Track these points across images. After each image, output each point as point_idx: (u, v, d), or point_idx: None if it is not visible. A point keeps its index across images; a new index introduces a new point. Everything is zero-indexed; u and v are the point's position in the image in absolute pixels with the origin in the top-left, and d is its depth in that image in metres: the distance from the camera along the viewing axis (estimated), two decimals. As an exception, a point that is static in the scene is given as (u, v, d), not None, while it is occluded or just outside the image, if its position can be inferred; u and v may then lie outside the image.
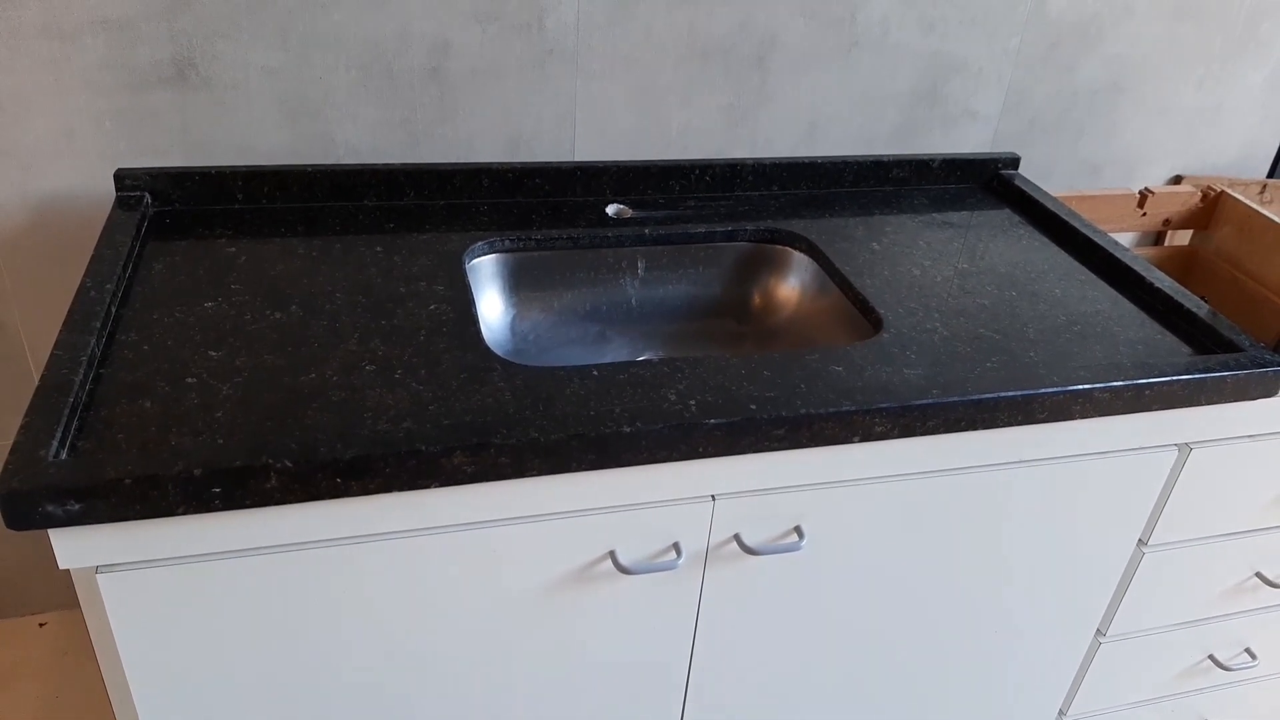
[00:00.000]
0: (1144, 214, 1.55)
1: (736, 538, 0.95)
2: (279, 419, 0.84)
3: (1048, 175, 1.59)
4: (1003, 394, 0.94)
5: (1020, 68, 1.46)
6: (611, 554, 0.92)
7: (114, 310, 0.96)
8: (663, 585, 0.97)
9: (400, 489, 0.80)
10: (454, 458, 0.80)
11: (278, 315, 0.98)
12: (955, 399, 0.92)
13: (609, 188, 1.30)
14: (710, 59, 1.31)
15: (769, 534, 0.97)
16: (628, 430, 0.84)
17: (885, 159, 1.39)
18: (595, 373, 0.93)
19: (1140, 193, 1.55)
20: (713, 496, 0.93)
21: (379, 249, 1.12)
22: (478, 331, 0.98)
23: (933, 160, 1.41)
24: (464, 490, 0.84)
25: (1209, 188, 1.57)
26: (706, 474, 0.91)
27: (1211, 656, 1.30)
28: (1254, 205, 1.51)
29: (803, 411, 0.88)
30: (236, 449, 0.78)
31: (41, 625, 1.50)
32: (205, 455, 0.77)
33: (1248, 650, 1.33)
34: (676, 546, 0.94)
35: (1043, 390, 0.95)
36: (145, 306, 0.97)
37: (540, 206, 1.26)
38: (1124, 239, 1.68)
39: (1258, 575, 1.24)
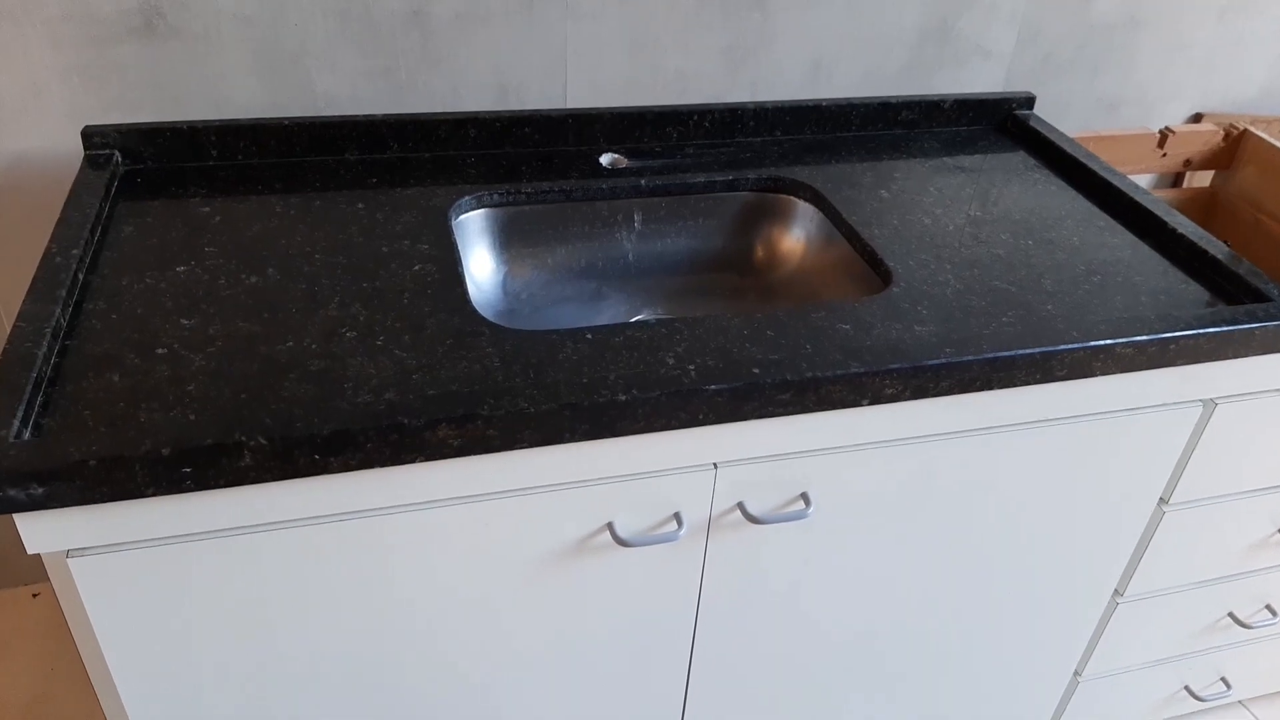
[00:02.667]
0: (1164, 154, 1.48)
1: (740, 506, 0.91)
2: (254, 391, 0.79)
3: (1063, 115, 1.52)
4: (1019, 351, 0.89)
5: (1034, 2, 1.38)
6: (609, 526, 0.88)
7: (81, 277, 0.91)
8: (664, 556, 0.93)
9: (383, 464, 0.76)
10: (439, 431, 0.76)
11: (254, 279, 0.93)
12: (970, 358, 0.87)
13: (603, 136, 1.23)
14: (708, -2, 1.24)
15: (774, 502, 0.93)
16: (623, 398, 0.79)
17: (893, 101, 1.32)
18: (589, 335, 0.88)
19: (1160, 132, 1.48)
20: (714, 464, 0.89)
21: (360, 206, 1.06)
22: (464, 293, 0.93)
23: (944, 101, 1.34)
24: (451, 464, 0.80)
25: (1231, 126, 1.50)
26: (708, 441, 0.87)
27: (1231, 614, 1.27)
28: (1277, 143, 1.44)
29: (809, 375, 0.83)
30: (208, 425, 0.73)
31: (35, 596, 1.48)
32: (175, 433, 0.72)
33: (1268, 607, 1.29)
34: (678, 517, 0.90)
35: (1062, 347, 0.90)
36: (114, 272, 0.92)
37: (530, 157, 1.20)
38: (1141, 180, 1.62)
39: (1280, 530, 1.20)
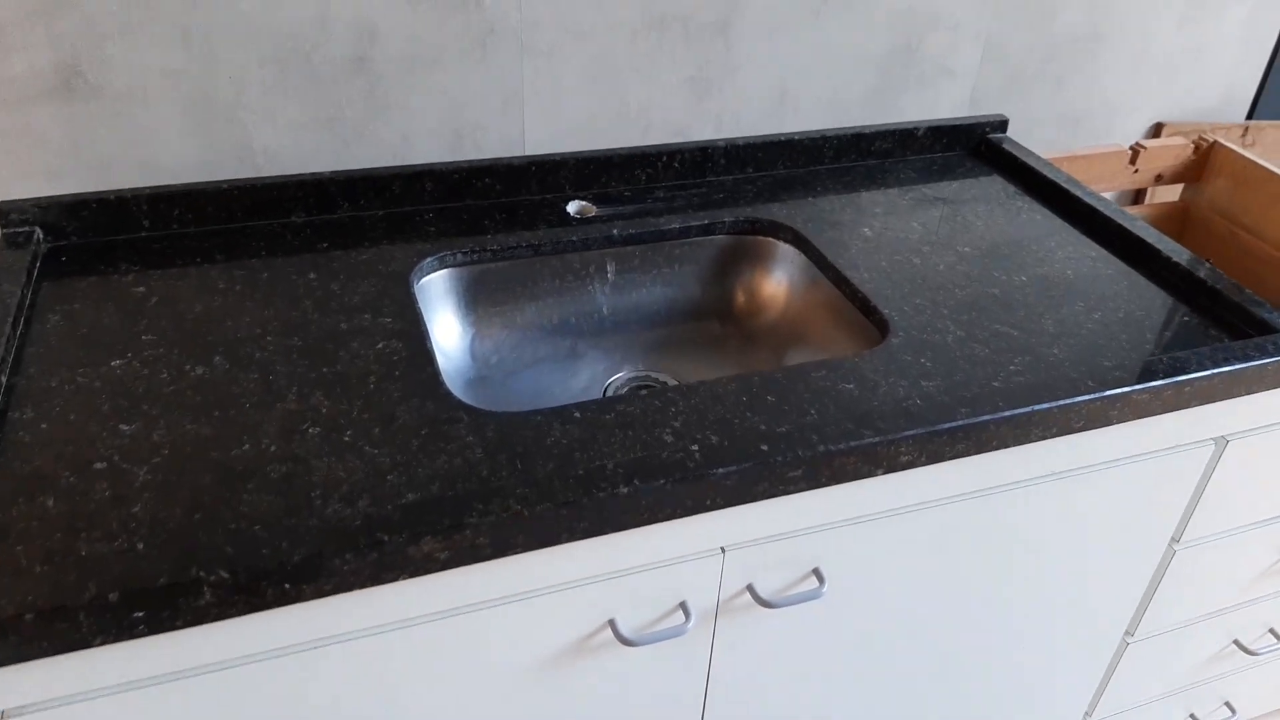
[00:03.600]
0: (1136, 170, 1.46)
1: (750, 589, 0.85)
2: (209, 508, 0.70)
3: (1028, 131, 1.48)
4: (1036, 407, 0.83)
5: (999, 19, 1.34)
6: (611, 623, 0.81)
7: (3, 380, 0.81)
8: (670, 647, 0.86)
9: (362, 586, 0.68)
10: (423, 545, 0.68)
11: (199, 370, 0.84)
12: (986, 418, 0.82)
13: (568, 183, 1.16)
14: (670, 28, 1.17)
15: (785, 580, 0.86)
16: (625, 491, 0.72)
17: (867, 131, 1.27)
18: (577, 415, 0.81)
19: (1131, 148, 1.45)
20: (722, 549, 0.82)
21: (312, 276, 0.98)
22: (436, 372, 0.85)
23: (917, 129, 1.29)
24: (438, 577, 0.72)
25: (1201, 138, 1.48)
26: (714, 526, 0.80)
27: (1236, 641, 1.24)
28: (1250, 155, 1.42)
29: (821, 449, 0.77)
30: (160, 557, 0.65)
31: None
32: (122, 570, 0.63)
33: (1272, 631, 1.26)
34: (684, 606, 0.83)
35: (1079, 399, 0.85)
36: (42, 372, 0.83)
37: (493, 209, 1.12)
38: (1107, 196, 1.59)
39: (1285, 557, 1.17)
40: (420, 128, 1.14)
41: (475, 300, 1.07)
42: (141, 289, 0.94)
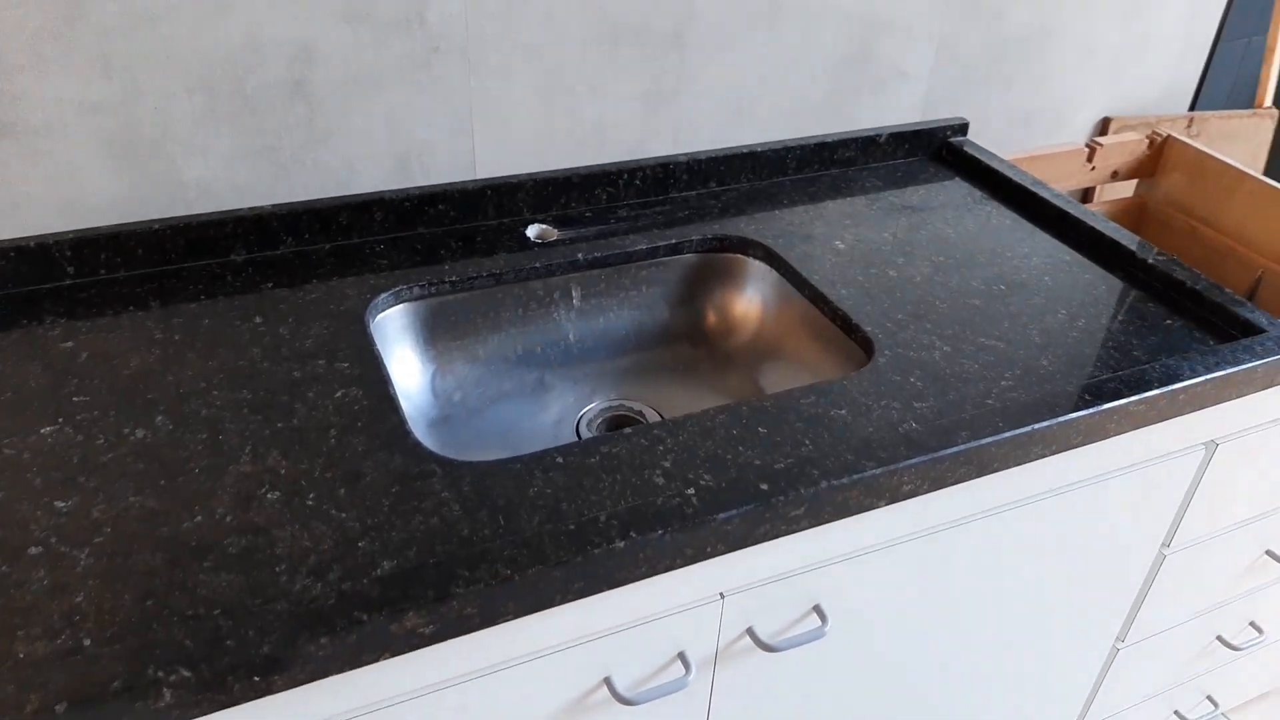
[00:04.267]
0: (1093, 168, 1.45)
1: (750, 632, 0.80)
2: (162, 593, 0.63)
3: (982, 130, 1.46)
4: (1036, 426, 0.80)
5: (949, 20, 1.32)
6: (607, 681, 0.76)
7: (-84, 456, 0.73)
8: (668, 699, 0.81)
9: (340, 671, 0.62)
10: (406, 621, 0.62)
11: (140, 434, 0.77)
12: (987, 440, 0.78)
13: (526, 205, 1.10)
14: (623, 40, 1.13)
15: (786, 619, 0.82)
16: (621, 545, 0.67)
17: (829, 139, 1.23)
18: (559, 459, 0.75)
19: (1088, 146, 1.44)
20: (721, 594, 0.77)
21: (258, 319, 0.91)
22: (401, 421, 0.79)
23: (879, 135, 1.26)
24: (422, 653, 0.66)
25: (1154, 134, 1.47)
26: (713, 572, 0.75)
27: (1220, 638, 1.23)
28: (1203, 148, 1.42)
29: (823, 485, 0.73)
30: (110, 658, 0.58)
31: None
32: (69, 675, 0.56)
33: (1253, 624, 1.26)
34: (682, 657, 0.78)
35: (1078, 414, 0.82)
36: (-41, 444, 0.75)
37: (448, 237, 1.06)
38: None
39: (1268, 553, 1.16)
40: (364, 152, 1.07)
41: (434, 335, 1.00)
42: (69, 344, 0.86)
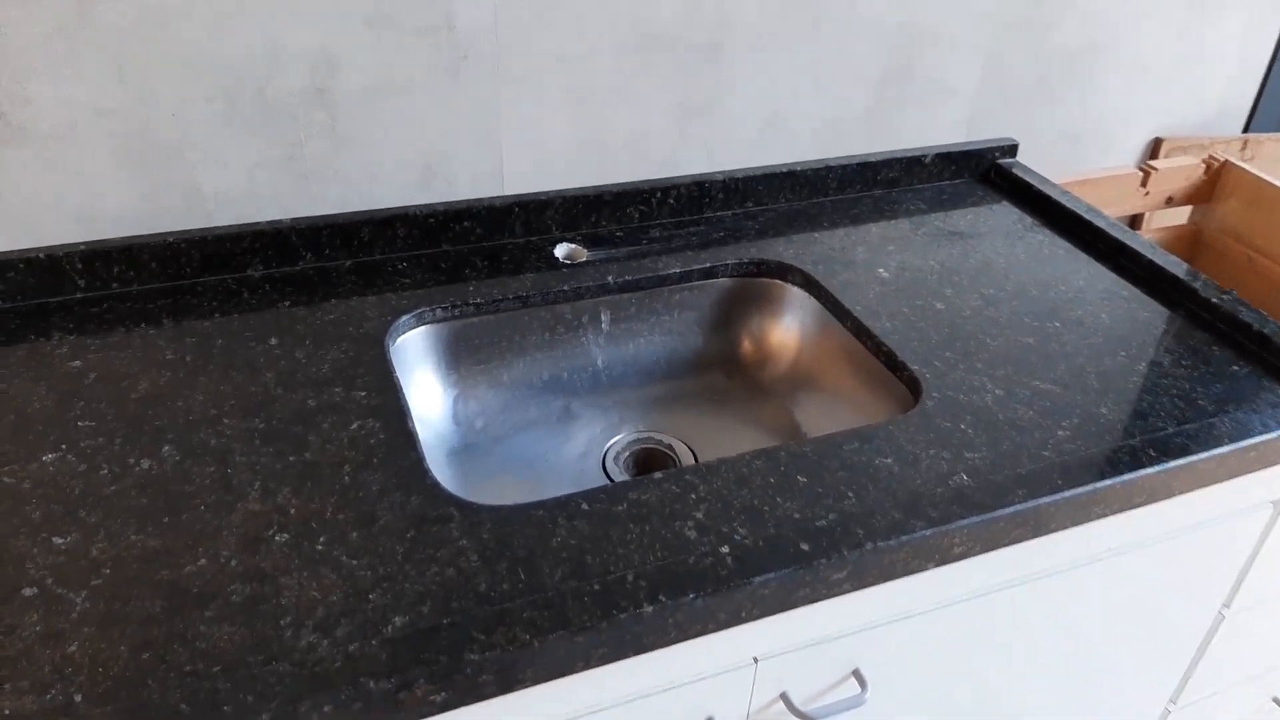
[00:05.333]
0: (1147, 193, 1.38)
1: (784, 697, 0.75)
2: (160, 646, 0.59)
3: (1026, 148, 1.40)
4: (1098, 485, 0.75)
5: (997, 34, 1.26)
6: (630, 747, 0.71)
7: (-91, 484, 0.69)
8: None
9: (345, 739, 0.57)
10: (416, 689, 0.57)
11: (145, 464, 0.73)
12: (1046, 499, 0.73)
13: (555, 223, 1.06)
14: (657, 51, 1.08)
15: (823, 684, 0.77)
16: (649, 610, 0.62)
17: (872, 159, 1.18)
18: (584, 505, 0.71)
19: (1141, 170, 1.38)
20: (754, 659, 0.72)
21: (274, 341, 0.86)
22: (420, 459, 0.74)
23: (924, 156, 1.20)
24: None
25: (1211, 158, 1.41)
26: (746, 635, 0.70)
27: (1276, 699, 1.16)
28: (1263, 174, 1.35)
29: (868, 546, 0.67)
30: (102, 715, 0.53)
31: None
32: (51, 741, 0.52)
33: (1307, 681, 1.19)
34: (710, 722, 0.73)
35: (1142, 472, 0.76)
36: (-44, 471, 0.71)
37: (473, 256, 1.01)
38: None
39: (1327, 609, 1.10)
40: (388, 163, 1.03)
41: (457, 358, 0.96)
42: (77, 363, 0.82)
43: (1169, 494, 0.79)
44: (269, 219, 0.97)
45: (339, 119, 0.98)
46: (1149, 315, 0.98)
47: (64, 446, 0.74)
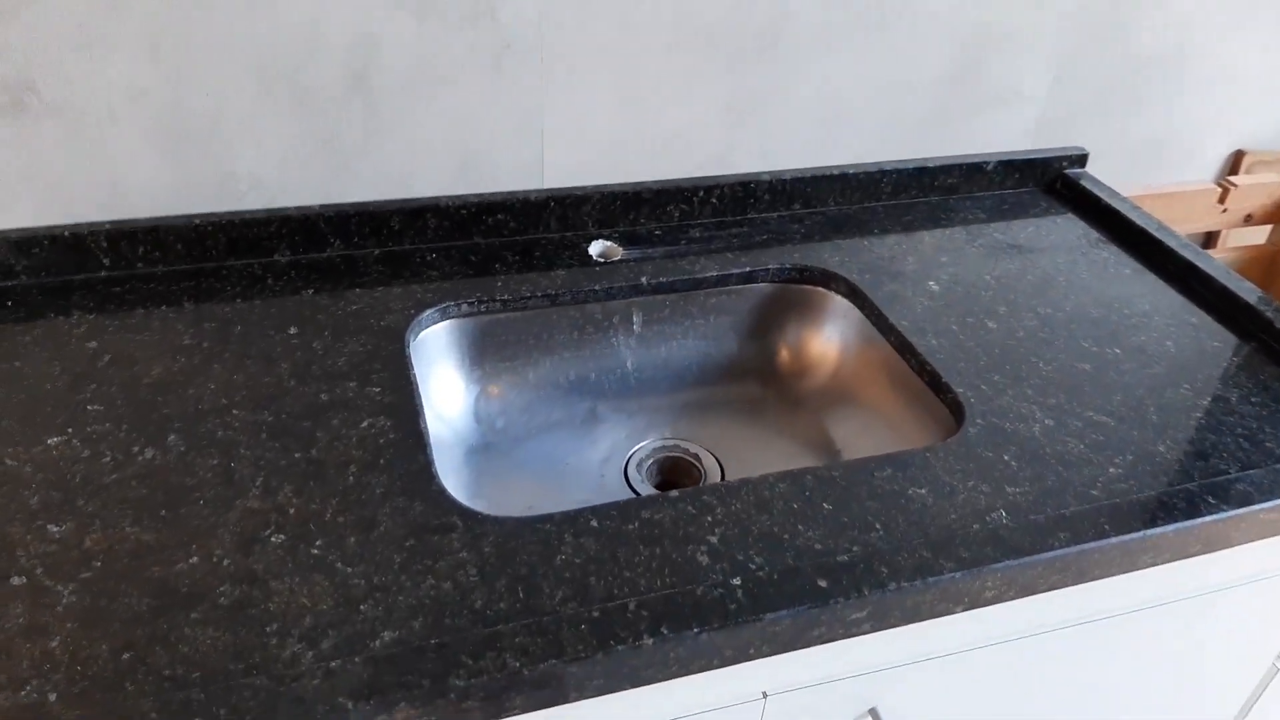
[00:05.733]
0: (1224, 210, 1.30)
1: (794, 735, 0.71)
2: (142, 647, 0.57)
3: (1098, 158, 1.33)
4: (1149, 532, 0.69)
5: (1073, 36, 1.19)
6: (627, 778, 0.67)
7: (-86, 462, 0.68)
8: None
9: (321, 760, 0.55)
10: (396, 712, 0.55)
11: (149, 454, 0.71)
12: (1090, 545, 0.68)
13: (592, 220, 1.02)
14: (707, 45, 1.03)
15: (836, 723, 0.73)
16: (649, 642, 0.58)
17: (930, 164, 1.12)
18: (594, 523, 0.67)
19: (1220, 185, 1.29)
20: (763, 693, 0.68)
21: (293, 330, 0.84)
22: (428, 462, 0.72)
23: (986, 162, 1.14)
24: (417, 742, 0.59)
25: (1299, 175, 1.32)
26: (755, 671, 0.66)
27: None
28: (1357, 196, 1.26)
29: (892, 586, 0.63)
30: (73, 719, 0.52)
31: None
32: (17, 744, 0.50)
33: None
34: (715, 756, 0.69)
35: (1198, 520, 0.70)
36: (-39, 451, 0.70)
37: (504, 249, 0.98)
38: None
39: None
40: (426, 153, 1.00)
41: (482, 355, 0.93)
42: (94, 344, 0.81)
43: (1227, 544, 0.73)
44: (302, 204, 0.95)
45: (377, 105, 0.96)
46: (1218, 345, 0.91)
47: (70, 430, 0.72)
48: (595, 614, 0.60)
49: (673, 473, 0.93)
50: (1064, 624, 0.76)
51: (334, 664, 0.56)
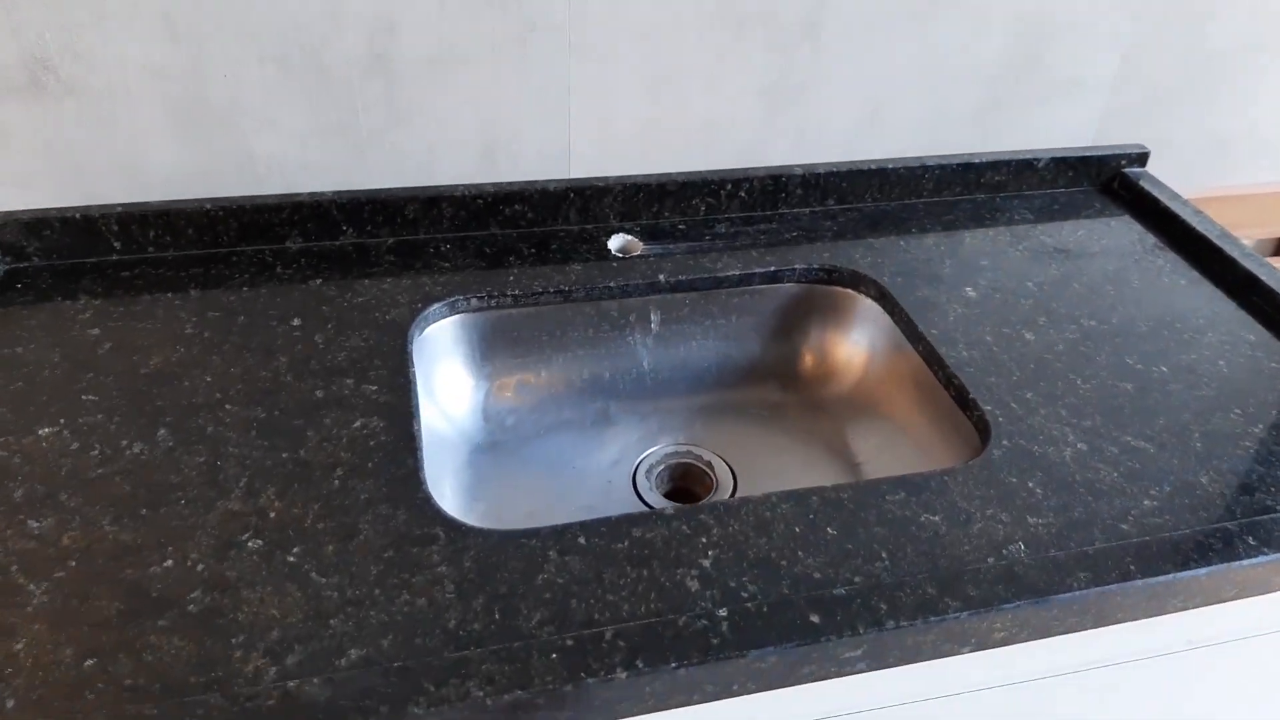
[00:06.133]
0: (1301, 213, 1.21)
1: (785, 770, 0.67)
2: (106, 655, 0.56)
3: (1165, 157, 1.25)
4: (1178, 575, 0.64)
5: (1142, 26, 1.11)
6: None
7: (-95, 449, 0.68)
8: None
9: (275, 784, 0.53)
10: (353, 741, 0.52)
11: (137, 448, 0.70)
12: (1112, 586, 0.62)
13: (613, 212, 0.99)
14: (745, 28, 0.98)
15: (832, 759, 0.69)
16: (622, 676, 0.55)
17: (976, 160, 1.06)
18: (581, 539, 0.64)
19: (1297, 187, 1.21)
20: (752, 728, 0.65)
21: (296, 322, 0.83)
22: (417, 467, 0.69)
23: (1037, 160, 1.08)
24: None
25: (1386, 177, 1.22)
26: (742, 707, 0.63)
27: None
28: None
29: (890, 625, 0.59)
30: (18, 735, 0.51)
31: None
32: (-35, 754, 0.49)
33: None
34: (700, 789, 0.66)
35: (1234, 564, 0.65)
36: (-47, 438, 0.70)
37: (521, 242, 0.95)
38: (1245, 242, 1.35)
39: None
40: (447, 138, 0.97)
41: (492, 351, 0.91)
42: (96, 331, 0.80)
43: (1267, 589, 0.68)
44: (320, 189, 0.93)
45: (398, 88, 0.93)
46: (1276, 366, 0.85)
47: (62, 421, 0.72)
48: (569, 642, 0.57)
49: (684, 480, 0.90)
50: (1079, 668, 0.71)
51: (291, 684, 0.54)
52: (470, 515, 0.80)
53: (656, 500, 0.85)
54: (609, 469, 0.89)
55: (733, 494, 0.87)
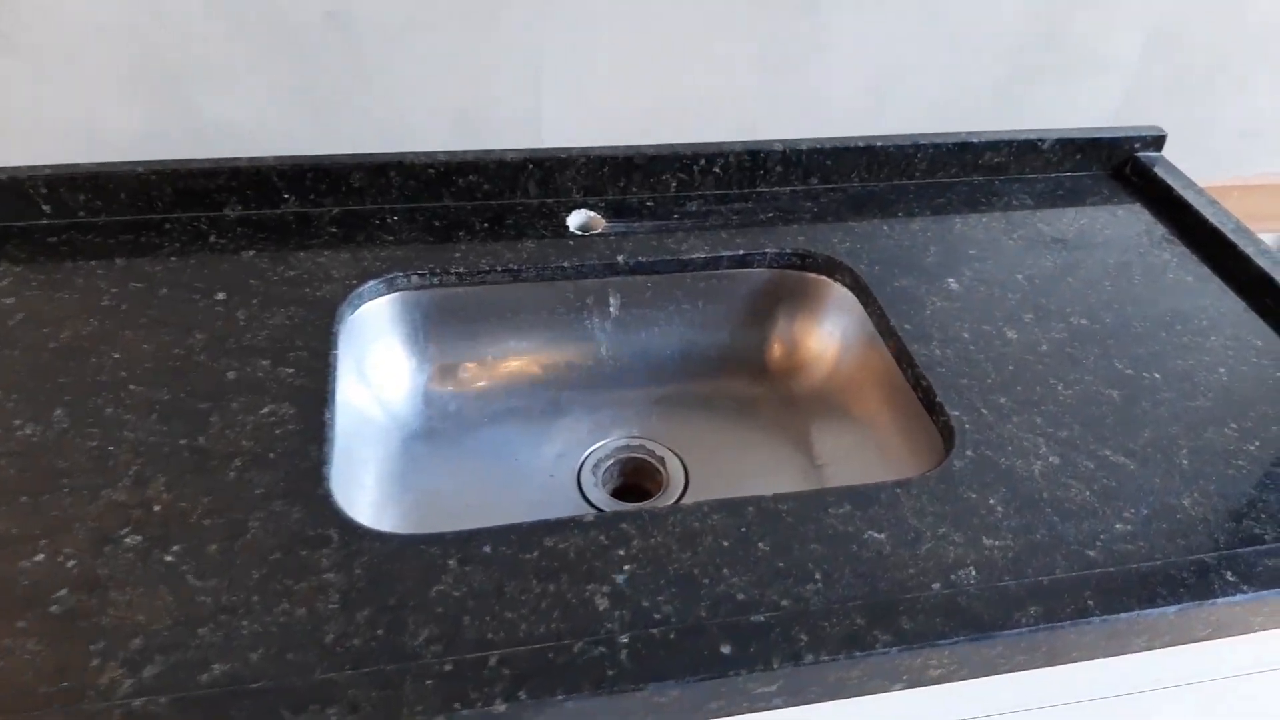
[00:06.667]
0: (1333, 205, 1.12)
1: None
2: (-50, 658, 0.52)
3: (1191, 141, 1.15)
4: (1142, 613, 0.57)
5: (1173, 2, 1.02)
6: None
7: None
8: None
9: (114, 811, 0.48)
10: (197, 768, 0.48)
11: (29, 430, 0.65)
12: (1065, 624, 0.56)
13: (576, 186, 0.93)
14: (735, -7, 0.91)
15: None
16: (501, 708, 0.50)
17: (974, 140, 0.98)
18: (486, 548, 0.59)
19: (1329, 176, 1.11)
20: (662, 761, 0.59)
21: (219, 296, 0.78)
22: (321, 460, 0.64)
23: (1041, 140, 1.00)
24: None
25: None
26: (650, 736, 0.57)
27: None
28: None
29: (808, 659, 0.53)
30: None
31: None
32: None
33: None
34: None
35: (1207, 603, 0.58)
36: None
37: (474, 215, 0.90)
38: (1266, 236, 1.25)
39: None
40: (415, 103, 0.91)
41: (437, 331, 0.85)
42: (11, 300, 0.76)
43: (1245, 629, 0.61)
44: (279, 154, 0.88)
45: (363, 51, 0.87)
46: (1285, 376, 0.77)
47: (-44, 397, 0.67)
48: (448, 667, 0.52)
49: (634, 476, 0.84)
50: (1031, 706, 0.65)
51: (137, 703, 0.49)
52: (393, 508, 0.75)
53: (601, 498, 0.80)
54: (553, 462, 0.83)
55: (683, 493, 0.81)
